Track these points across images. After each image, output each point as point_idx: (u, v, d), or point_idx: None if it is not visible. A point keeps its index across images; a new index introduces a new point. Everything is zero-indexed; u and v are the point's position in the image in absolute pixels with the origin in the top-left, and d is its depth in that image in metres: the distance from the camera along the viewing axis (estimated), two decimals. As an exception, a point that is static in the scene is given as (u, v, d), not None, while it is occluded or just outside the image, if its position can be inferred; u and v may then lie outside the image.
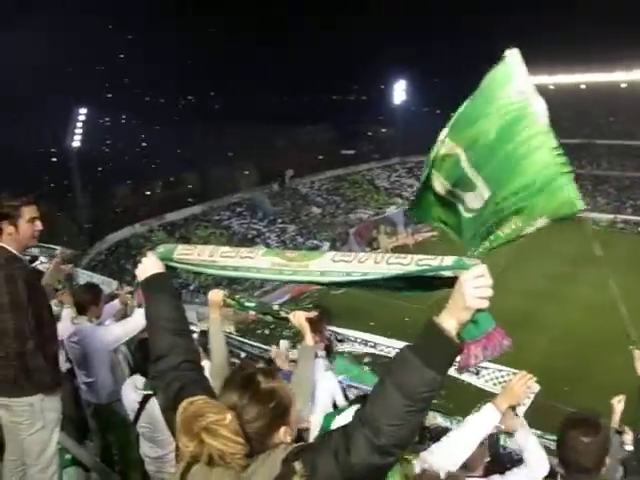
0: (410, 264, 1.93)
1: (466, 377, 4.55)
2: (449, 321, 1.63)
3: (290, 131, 60.01)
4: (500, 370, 4.48)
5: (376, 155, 63.73)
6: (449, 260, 1.83)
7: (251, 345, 12.77)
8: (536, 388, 3.88)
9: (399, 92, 64.70)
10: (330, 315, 7.44)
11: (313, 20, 67.06)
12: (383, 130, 71.28)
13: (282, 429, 1.81)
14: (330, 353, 6.18)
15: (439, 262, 1.85)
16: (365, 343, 9.37)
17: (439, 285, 1.86)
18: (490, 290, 1.66)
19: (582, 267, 31.34)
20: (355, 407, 2.99)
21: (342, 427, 1.68)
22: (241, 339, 13.38)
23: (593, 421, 2.80)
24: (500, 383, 4.37)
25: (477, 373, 4.75)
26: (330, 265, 2.10)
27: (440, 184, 2.67)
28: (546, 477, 3.42)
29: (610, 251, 37.75)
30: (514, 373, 3.54)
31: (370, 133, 70.37)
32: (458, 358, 1.87)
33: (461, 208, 2.67)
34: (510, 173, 2.26)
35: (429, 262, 1.88)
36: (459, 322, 1.64)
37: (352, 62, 66.37)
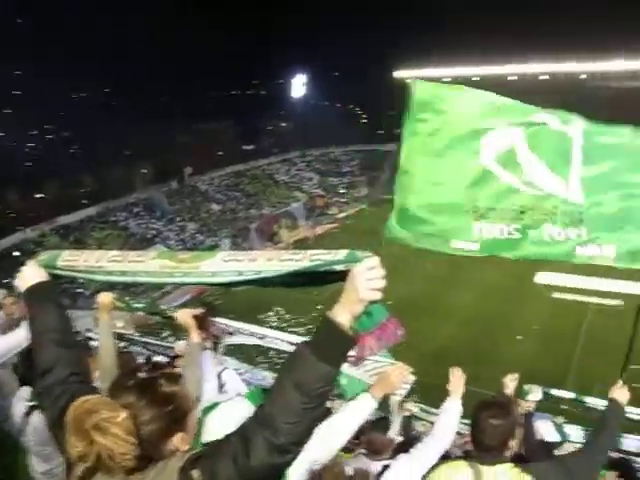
0: (303, 260, 1.90)
1: (346, 369, 4.59)
2: (343, 315, 1.64)
3: (189, 128, 59.07)
4: (378, 361, 4.47)
5: (276, 149, 64.26)
6: (341, 254, 1.80)
7: (155, 344, 12.64)
8: (411, 379, 4.10)
9: (298, 86, 65.37)
10: (216, 311, 7.40)
11: (211, 16, 66.08)
12: (283, 124, 71.76)
13: (178, 435, 1.74)
14: (217, 348, 6.16)
15: (332, 256, 1.82)
16: (254, 335, 9.45)
17: (334, 279, 1.83)
18: (383, 281, 1.67)
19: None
20: (237, 399, 3.02)
21: (239, 430, 1.65)
22: (145, 339, 13.25)
23: (503, 405, 2.95)
24: (378, 372, 4.18)
25: (356, 365, 4.53)
26: (221, 265, 2.06)
27: None
28: (459, 456, 3.66)
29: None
30: (392, 364, 3.62)
31: (270, 128, 70.68)
32: (353, 351, 1.92)
33: None
34: None
35: (322, 257, 1.85)
36: (353, 315, 1.65)
37: (251, 58, 66.06)
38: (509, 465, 2.80)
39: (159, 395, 1.72)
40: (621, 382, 3.61)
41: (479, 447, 2.88)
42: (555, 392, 5.13)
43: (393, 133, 65.28)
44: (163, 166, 53.51)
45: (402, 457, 3.34)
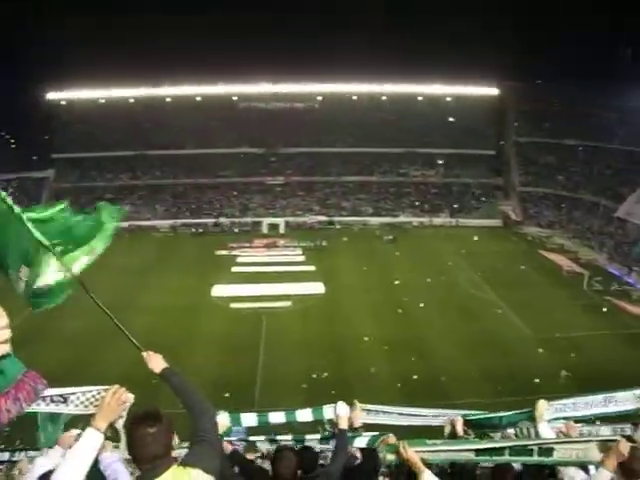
0: None
1: (53, 408, 3.70)
2: None
3: None
4: (90, 391, 3.73)
5: None
6: None
7: None
8: (131, 399, 3.77)
9: None
10: None
11: None
12: None
13: None
14: None
15: None
16: None
17: None
18: (8, 331, 1.52)
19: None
20: None
21: None
22: None
23: (153, 412, 2.81)
24: (94, 402, 3.67)
25: (65, 401, 3.80)
26: None
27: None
28: None
29: (175, 255, 41.85)
30: (105, 390, 3.37)
31: None
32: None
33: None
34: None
35: None
36: None
37: None
38: (174, 466, 2.77)
39: None
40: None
41: (143, 460, 2.74)
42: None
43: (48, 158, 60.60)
44: None
45: None
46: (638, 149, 56.75)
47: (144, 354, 3.51)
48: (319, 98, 71.37)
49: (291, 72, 63.70)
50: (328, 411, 4.64)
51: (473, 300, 37.96)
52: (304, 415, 4.75)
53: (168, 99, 68.60)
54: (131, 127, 66.07)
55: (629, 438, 3.50)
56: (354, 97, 69.92)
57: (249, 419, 4.81)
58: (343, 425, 4.46)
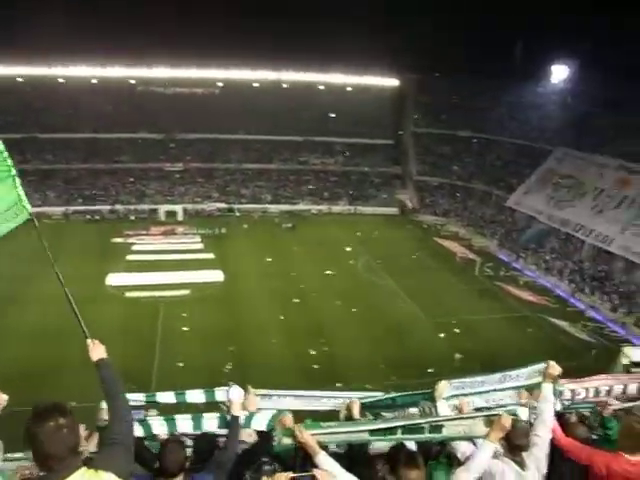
0: None
1: None
2: None
3: None
4: None
5: None
6: None
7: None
8: (4, 400, 3.66)
9: None
10: None
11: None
12: None
13: None
14: None
15: None
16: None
17: None
18: None
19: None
20: None
21: None
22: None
23: (60, 405, 2.60)
24: None
25: None
26: None
27: None
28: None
29: (68, 242, 40.24)
30: None
31: None
32: None
33: None
34: None
35: None
36: None
37: None
38: (84, 469, 2.59)
39: None
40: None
41: (49, 459, 2.52)
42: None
43: None
44: None
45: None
46: (526, 143, 61.29)
47: (89, 341, 3.53)
48: (219, 84, 70.53)
49: (191, 57, 62.13)
50: (220, 394, 4.53)
51: (371, 287, 39.07)
52: (195, 396, 4.66)
53: (61, 80, 65.12)
54: (21, 108, 62.20)
55: (510, 413, 3.84)
56: (255, 84, 69.64)
57: (135, 397, 4.53)
58: (236, 411, 4.31)
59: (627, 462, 4.01)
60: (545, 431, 4.15)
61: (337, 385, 22.51)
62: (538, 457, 4.00)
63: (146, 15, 58.81)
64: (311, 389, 5.36)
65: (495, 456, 3.84)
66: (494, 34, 64.09)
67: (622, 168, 48.20)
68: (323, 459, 3.54)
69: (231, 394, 4.34)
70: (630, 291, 39.13)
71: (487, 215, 58.29)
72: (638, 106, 52.28)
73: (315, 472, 3.25)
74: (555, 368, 4.70)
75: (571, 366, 5.28)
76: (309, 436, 3.63)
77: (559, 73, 65.73)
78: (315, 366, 26.90)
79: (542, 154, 58.01)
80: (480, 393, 5.06)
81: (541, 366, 4.74)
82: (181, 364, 26.34)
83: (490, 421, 3.61)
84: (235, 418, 4.28)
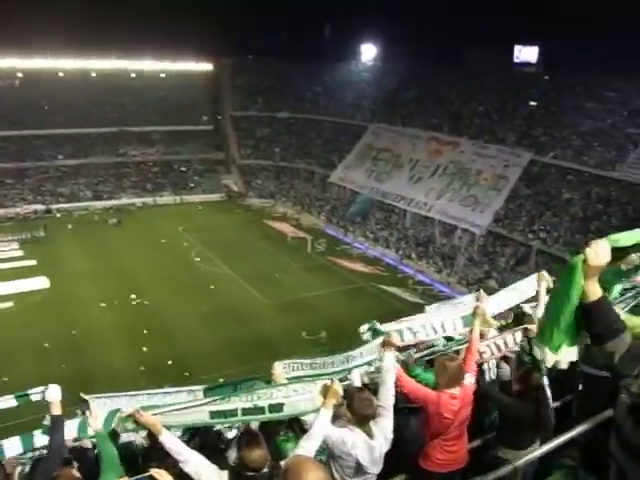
0: None
1: None
2: None
3: None
4: None
5: None
6: None
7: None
8: None
9: None
10: None
11: None
12: None
13: None
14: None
15: None
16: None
17: None
18: None
19: None
20: None
21: None
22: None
23: None
24: None
25: None
26: None
27: None
28: None
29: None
30: None
31: None
32: None
33: None
34: None
35: None
36: None
37: None
38: None
39: None
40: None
41: None
42: None
43: None
44: None
45: None
46: (343, 120, 64.02)
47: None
48: (19, 75, 64.49)
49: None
50: (35, 396, 4.14)
51: (207, 276, 38.60)
52: (7, 402, 4.27)
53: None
54: None
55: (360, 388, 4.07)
56: (60, 74, 64.29)
57: None
58: (56, 411, 4.07)
59: (450, 396, 4.39)
60: (389, 401, 4.22)
61: (187, 381, 22.27)
62: (384, 425, 4.13)
63: None
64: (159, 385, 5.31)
65: (344, 425, 4.05)
66: (305, 18, 68.10)
67: (432, 139, 52.56)
68: (167, 438, 3.55)
69: (49, 394, 4.06)
70: (450, 252, 42.96)
71: (313, 193, 59.89)
72: (439, 80, 58.48)
73: (152, 472, 3.24)
74: (481, 308, 5.23)
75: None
76: (149, 416, 3.61)
77: (368, 52, 70.30)
78: (166, 361, 26.70)
79: (360, 130, 60.99)
80: (328, 374, 5.16)
81: (378, 341, 4.75)
82: (5, 379, 24.09)
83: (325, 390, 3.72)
84: (56, 418, 4.06)
